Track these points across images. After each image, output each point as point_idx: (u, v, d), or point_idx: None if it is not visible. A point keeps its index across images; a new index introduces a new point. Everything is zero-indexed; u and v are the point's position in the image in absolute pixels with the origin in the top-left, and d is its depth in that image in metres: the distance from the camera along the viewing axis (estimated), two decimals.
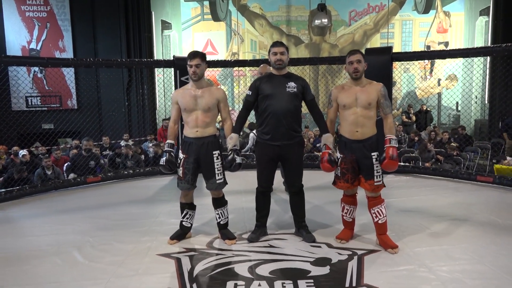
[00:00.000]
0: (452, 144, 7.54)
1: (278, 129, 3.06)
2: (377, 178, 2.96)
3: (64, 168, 7.04)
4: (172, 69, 5.84)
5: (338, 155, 3.06)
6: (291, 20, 13.25)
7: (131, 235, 3.44)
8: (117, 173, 5.80)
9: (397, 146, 2.91)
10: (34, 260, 2.97)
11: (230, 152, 3.13)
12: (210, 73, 11.96)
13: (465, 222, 3.60)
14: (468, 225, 3.52)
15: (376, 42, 13.00)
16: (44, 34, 11.09)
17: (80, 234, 3.52)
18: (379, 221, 3.01)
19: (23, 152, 7.25)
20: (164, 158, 3.14)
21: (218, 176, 3.16)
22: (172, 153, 3.19)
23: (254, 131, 9.67)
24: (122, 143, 9.16)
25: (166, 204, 4.40)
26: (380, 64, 5.38)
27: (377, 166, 2.96)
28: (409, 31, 13.03)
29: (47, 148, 8.33)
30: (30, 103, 11.19)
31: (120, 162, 7.56)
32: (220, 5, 12.98)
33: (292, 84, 3.09)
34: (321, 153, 3.07)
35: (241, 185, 4.73)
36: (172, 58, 5.92)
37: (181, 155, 3.17)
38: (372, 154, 2.95)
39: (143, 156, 8.09)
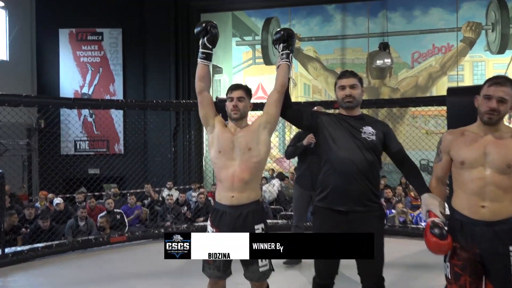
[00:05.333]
0: None
1: (345, 190, 2.12)
2: None
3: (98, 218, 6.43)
4: None
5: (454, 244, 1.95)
6: (347, 63, 12.49)
7: None
8: (146, 232, 5.02)
9: None
10: None
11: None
12: None
13: None
14: None
15: (443, 85, 11.73)
16: (96, 79, 11.13)
17: None
18: None
19: (57, 200, 6.75)
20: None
21: (262, 261, 2.21)
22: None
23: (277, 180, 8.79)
24: (165, 192, 8.56)
25: (199, 279, 3.47)
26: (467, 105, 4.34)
27: None
28: (482, 73, 11.70)
29: (92, 194, 7.96)
30: (78, 147, 11.07)
31: (160, 216, 6.84)
32: (272, 49, 12.56)
33: (369, 129, 2.17)
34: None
35: (291, 275, 3.69)
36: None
37: (209, 229, 2.30)
38: (511, 248, 1.82)
39: (185, 208, 7.36)
